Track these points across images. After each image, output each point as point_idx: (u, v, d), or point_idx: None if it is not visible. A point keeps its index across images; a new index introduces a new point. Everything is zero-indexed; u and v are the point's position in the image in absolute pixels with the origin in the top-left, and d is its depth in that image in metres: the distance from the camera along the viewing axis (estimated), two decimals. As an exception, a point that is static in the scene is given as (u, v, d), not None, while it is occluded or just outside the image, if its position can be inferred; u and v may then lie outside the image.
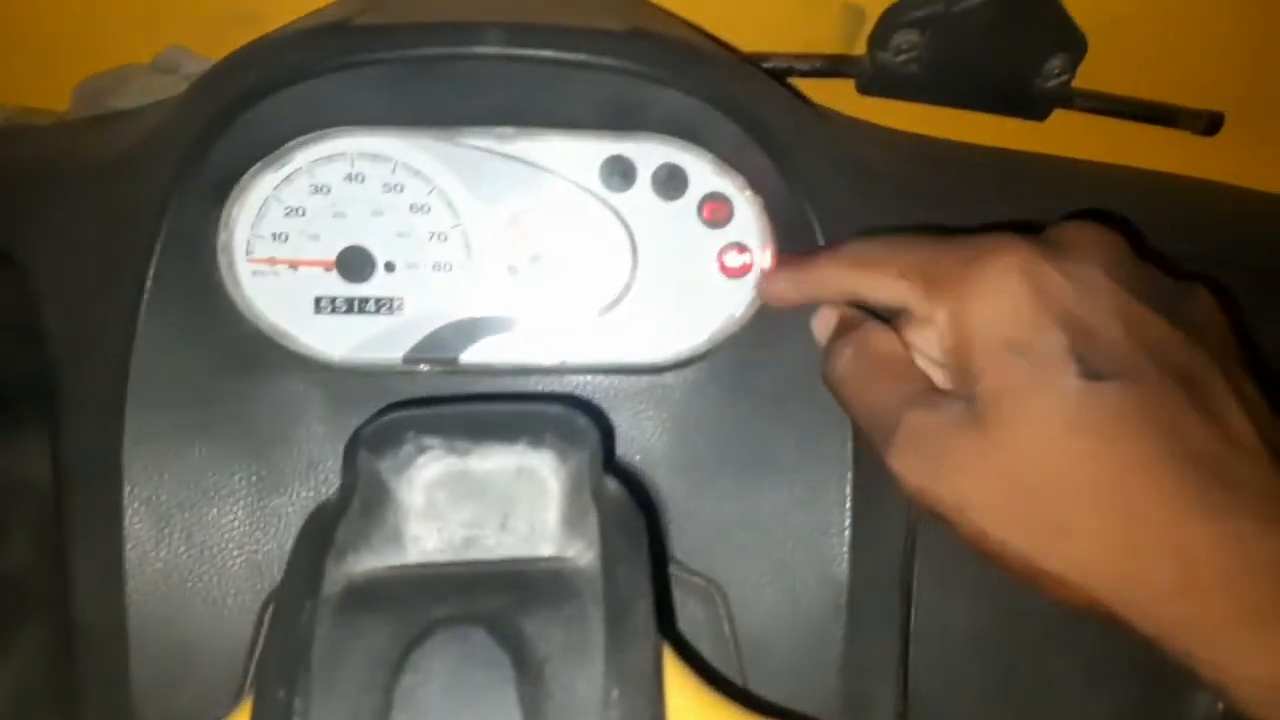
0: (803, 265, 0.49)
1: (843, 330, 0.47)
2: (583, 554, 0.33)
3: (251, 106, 0.47)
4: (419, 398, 0.50)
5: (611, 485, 0.35)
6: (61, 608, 0.50)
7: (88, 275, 0.50)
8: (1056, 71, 0.57)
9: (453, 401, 0.41)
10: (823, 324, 0.49)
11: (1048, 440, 0.37)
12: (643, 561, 0.32)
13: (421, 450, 0.38)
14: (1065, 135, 0.61)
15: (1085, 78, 0.58)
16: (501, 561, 0.34)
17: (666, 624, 0.31)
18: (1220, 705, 0.50)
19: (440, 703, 0.27)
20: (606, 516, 0.33)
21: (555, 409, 0.37)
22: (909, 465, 0.40)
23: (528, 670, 0.28)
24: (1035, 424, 0.37)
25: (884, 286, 0.44)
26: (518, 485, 0.39)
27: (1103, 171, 0.61)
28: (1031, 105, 0.59)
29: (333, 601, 0.30)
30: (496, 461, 0.39)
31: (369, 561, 0.33)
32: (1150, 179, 0.63)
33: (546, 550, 0.38)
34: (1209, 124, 0.62)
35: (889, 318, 0.45)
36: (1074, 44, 0.56)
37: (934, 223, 0.51)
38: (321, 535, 0.31)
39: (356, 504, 0.33)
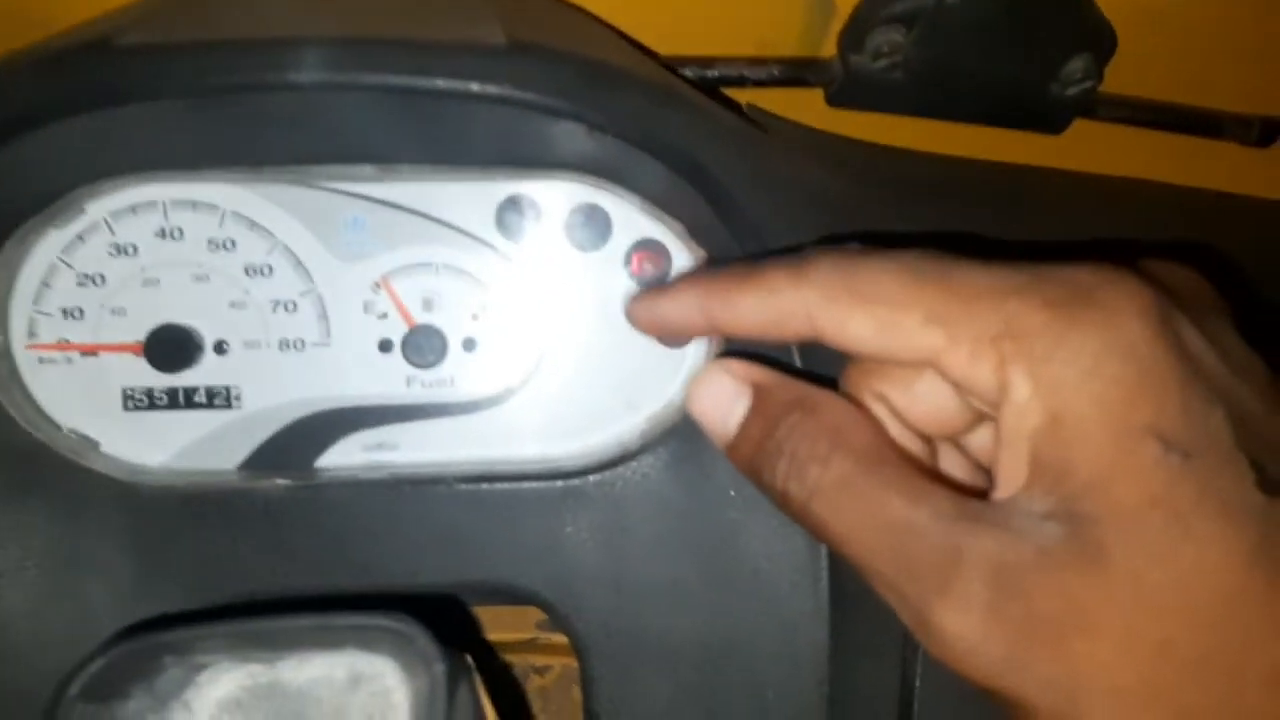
0: (732, 285, 0.31)
1: (769, 407, 0.31)
2: None
3: (10, 145, 0.34)
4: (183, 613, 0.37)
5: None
6: None
7: None
8: (1079, 76, 0.45)
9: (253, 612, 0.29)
10: (720, 398, 0.31)
11: (1228, 584, 0.24)
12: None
13: (205, 666, 0.26)
14: (1085, 149, 0.50)
15: (1110, 81, 0.46)
16: None
17: None
18: None
19: None
20: None
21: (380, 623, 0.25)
22: (982, 628, 0.25)
23: None
24: (1208, 560, 0.24)
25: (899, 335, 0.28)
26: (354, 701, 0.28)
27: (1134, 190, 0.50)
28: (1046, 116, 0.47)
29: None
30: (317, 670, 0.28)
31: None
32: (1191, 198, 0.52)
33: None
34: (1262, 133, 0.50)
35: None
36: (1101, 42, 0.44)
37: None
38: None
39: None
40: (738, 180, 0.37)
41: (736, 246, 0.39)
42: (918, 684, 0.39)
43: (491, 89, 0.33)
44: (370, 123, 0.38)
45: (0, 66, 0.34)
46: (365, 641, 0.26)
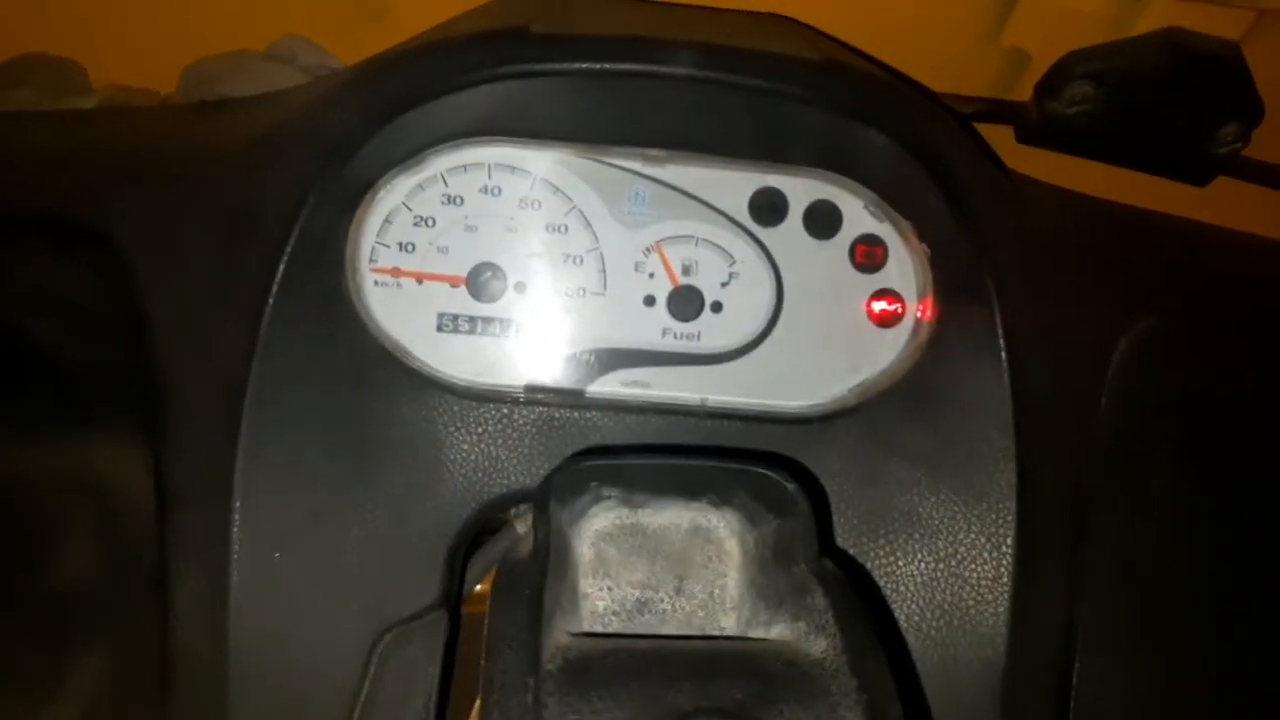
0: None
1: None
2: (809, 639, 0.29)
3: (412, 108, 0.43)
4: (615, 445, 0.46)
5: (830, 565, 0.31)
6: (131, 627, 0.46)
7: (202, 272, 0.46)
8: (1229, 138, 0.54)
9: (650, 450, 0.37)
10: None
11: None
12: (884, 657, 0.28)
13: (597, 500, 0.34)
14: (1224, 203, 0.58)
15: (1256, 148, 0.55)
16: (720, 639, 0.30)
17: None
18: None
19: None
20: (837, 601, 0.29)
21: (757, 468, 0.33)
22: None
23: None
24: None
25: None
26: (693, 546, 0.36)
27: (1270, 248, 0.58)
28: (1196, 170, 0.55)
29: (555, 678, 0.26)
30: (669, 517, 0.36)
31: (568, 625, 0.29)
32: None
33: (727, 622, 0.34)
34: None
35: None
36: (1251, 112, 0.53)
37: (1112, 291, 0.48)
38: (530, 601, 0.27)
39: (552, 564, 0.29)
40: (982, 191, 0.45)
41: (963, 247, 0.47)
42: (1077, 660, 0.46)
43: (821, 94, 0.42)
44: (671, 115, 0.47)
45: (433, 42, 0.43)
46: (724, 494, 0.34)
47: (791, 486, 0.33)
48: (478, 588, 0.52)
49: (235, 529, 0.42)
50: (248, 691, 0.42)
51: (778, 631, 0.31)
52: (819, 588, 0.29)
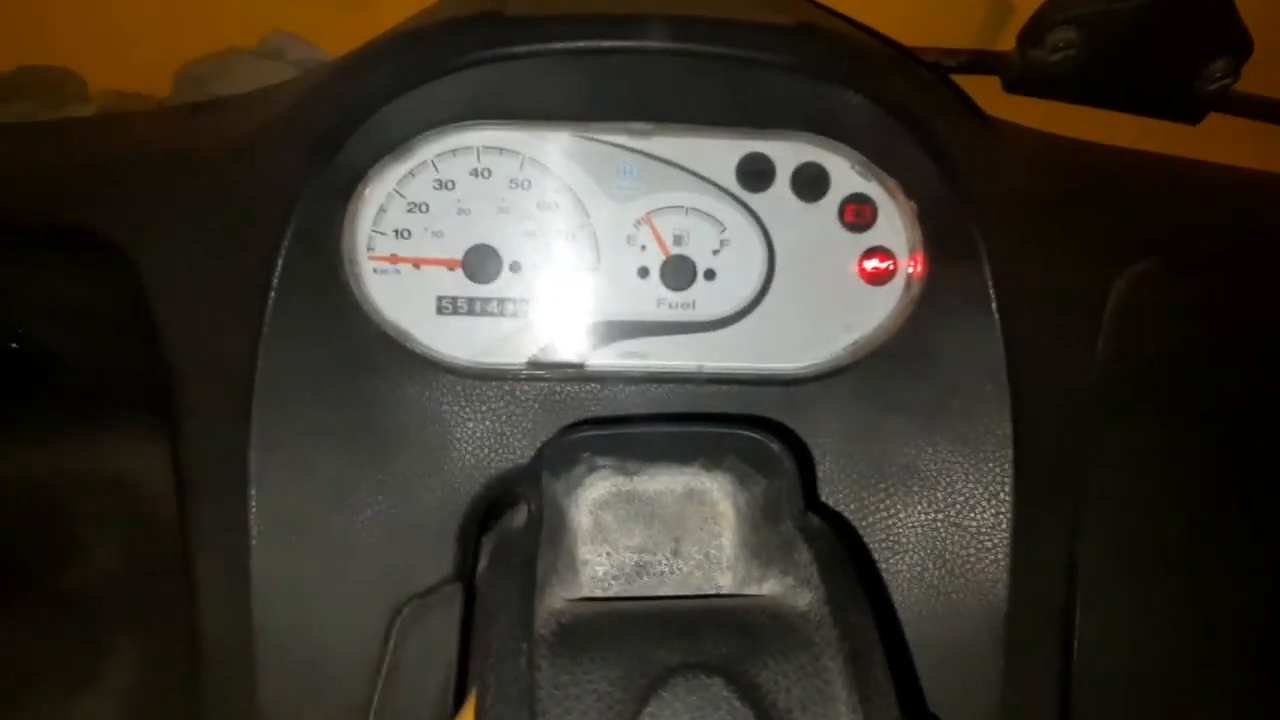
0: None
1: None
2: (795, 592, 0.30)
3: (399, 96, 0.44)
4: (602, 418, 0.47)
5: (816, 520, 0.32)
6: (161, 616, 0.48)
7: (204, 269, 0.48)
8: (1219, 75, 0.53)
9: (640, 421, 0.38)
10: None
11: None
12: (868, 608, 0.29)
13: (592, 469, 0.36)
14: (1218, 141, 0.58)
15: (1246, 82, 0.55)
16: (713, 600, 0.31)
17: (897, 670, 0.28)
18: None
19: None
20: (821, 554, 0.30)
21: (745, 431, 0.34)
22: None
23: (773, 727, 0.25)
24: None
25: None
26: (688, 509, 0.37)
27: (1265, 180, 0.58)
28: (1187, 108, 0.55)
29: (549, 642, 0.27)
30: (664, 483, 0.37)
31: (563, 593, 0.30)
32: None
33: (724, 581, 0.36)
34: (1369, 131, 0.58)
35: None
36: (1240, 46, 0.52)
37: (1105, 234, 0.48)
38: (522, 567, 0.29)
39: (545, 532, 0.30)
40: (965, 144, 0.46)
41: (949, 201, 0.48)
42: (1078, 597, 0.47)
43: (797, 60, 0.43)
44: (653, 88, 0.48)
45: (408, 31, 0.44)
46: (715, 458, 0.35)
47: (775, 446, 0.34)
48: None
49: (252, 516, 0.44)
50: (274, 671, 0.44)
51: (769, 587, 0.32)
52: (804, 543, 0.30)
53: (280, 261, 0.45)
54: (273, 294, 0.45)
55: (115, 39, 0.60)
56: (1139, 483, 0.49)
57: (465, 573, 0.48)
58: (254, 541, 0.43)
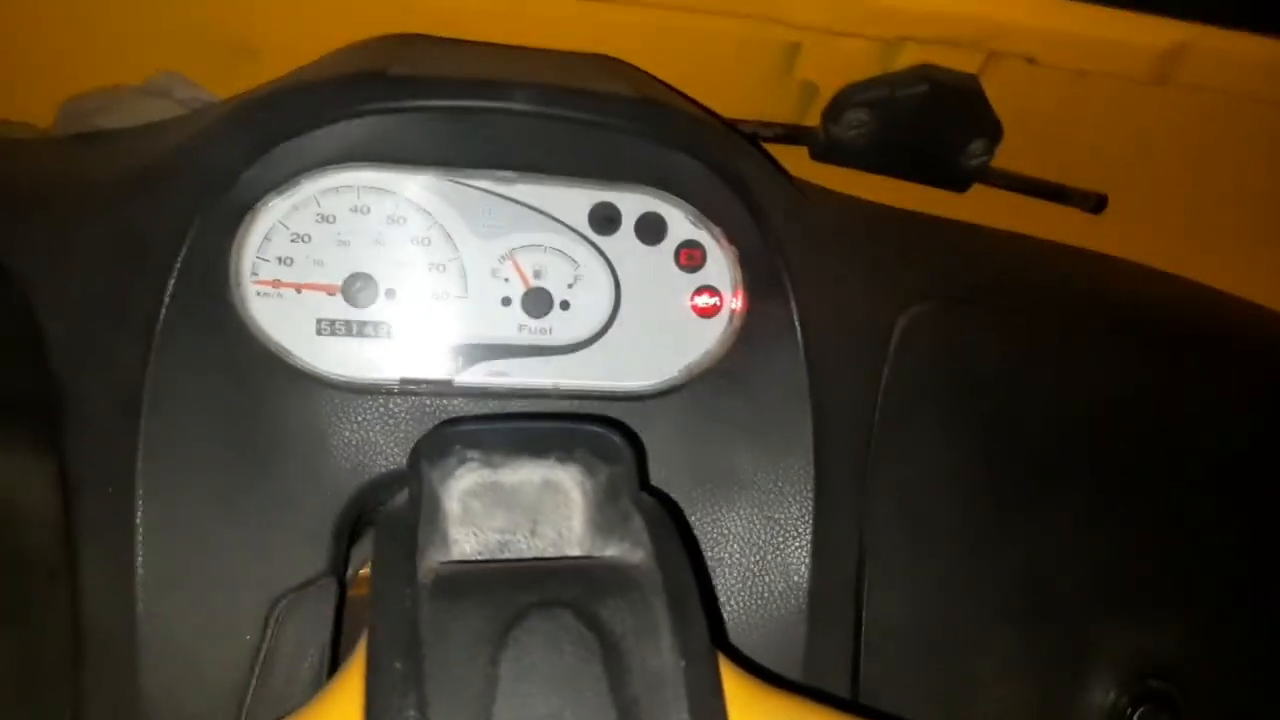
0: None
1: None
2: (631, 553, 0.37)
3: (287, 140, 0.50)
4: (473, 415, 0.53)
5: (647, 497, 0.40)
6: (33, 613, 0.50)
7: (95, 291, 0.51)
8: (977, 152, 0.66)
9: (506, 419, 0.45)
10: None
11: None
12: (686, 559, 0.36)
13: (462, 462, 0.42)
14: (981, 205, 0.71)
15: (1001, 159, 0.68)
16: (565, 559, 0.38)
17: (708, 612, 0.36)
18: (1114, 700, 0.59)
19: (542, 672, 0.31)
20: (650, 521, 0.37)
21: (591, 428, 0.41)
22: None
23: (609, 646, 0.32)
24: None
25: None
26: (544, 497, 0.43)
27: (1015, 240, 0.71)
28: (955, 179, 0.68)
29: (429, 589, 0.33)
30: (524, 475, 0.44)
31: (439, 558, 0.36)
32: (1050, 248, 0.74)
33: (574, 554, 0.42)
34: (1096, 203, 0.72)
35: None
36: (992, 130, 0.65)
37: (890, 280, 0.59)
38: (405, 534, 0.35)
39: (423, 509, 0.37)
40: (773, 201, 0.55)
41: (763, 248, 0.57)
42: (867, 571, 0.57)
43: (638, 126, 0.51)
44: (517, 143, 0.55)
45: (302, 82, 0.49)
46: (566, 452, 0.42)
47: (616, 439, 0.41)
48: (362, 571, 0.59)
49: (139, 517, 0.47)
50: (156, 659, 0.47)
51: (610, 552, 0.39)
52: (637, 514, 0.38)
53: (171, 283, 0.49)
54: (163, 311, 0.49)
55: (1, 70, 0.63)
56: (917, 479, 0.59)
57: (339, 569, 0.53)
58: (140, 539, 0.47)
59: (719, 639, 0.48)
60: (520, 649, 0.31)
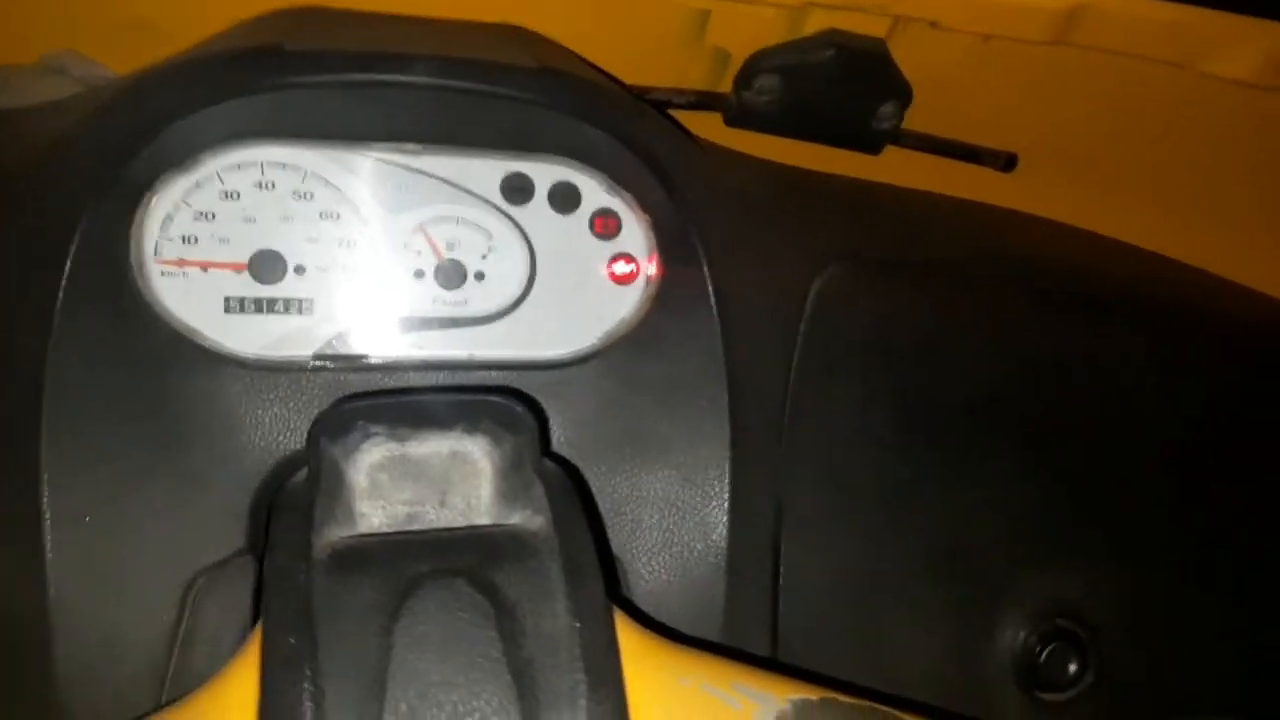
0: None
1: None
2: (532, 519, 0.38)
3: (179, 119, 0.49)
4: (374, 390, 0.53)
5: (550, 464, 0.40)
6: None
7: (-8, 271, 0.50)
8: (888, 115, 0.67)
9: (405, 393, 0.45)
10: None
11: None
12: (584, 524, 0.37)
13: (367, 436, 0.42)
14: (895, 167, 0.72)
15: (911, 120, 0.69)
16: (464, 528, 0.38)
17: (607, 574, 0.37)
18: (1024, 640, 0.62)
19: (435, 639, 0.31)
20: (551, 488, 0.38)
21: (495, 399, 0.42)
22: None
23: (504, 611, 0.33)
24: None
25: None
26: (453, 467, 0.44)
27: (929, 199, 0.72)
28: (868, 142, 0.69)
29: (324, 564, 0.33)
30: (432, 447, 0.44)
31: (339, 533, 0.36)
32: (963, 206, 0.75)
33: (482, 523, 0.43)
34: (1006, 162, 0.74)
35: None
36: (902, 93, 0.66)
37: (804, 242, 0.60)
38: (302, 512, 0.35)
39: (322, 485, 0.37)
40: (682, 167, 0.56)
41: (674, 214, 0.58)
42: (784, 530, 0.59)
43: (537, 97, 0.51)
44: (424, 115, 0.55)
45: (193, 59, 0.48)
46: (473, 423, 0.43)
47: (519, 409, 0.42)
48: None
49: (45, 501, 0.47)
50: (70, 643, 0.47)
51: (514, 520, 0.40)
52: (538, 481, 0.38)
53: (68, 265, 0.48)
54: (61, 294, 0.48)
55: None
56: (833, 438, 0.61)
57: (257, 547, 0.53)
58: (47, 523, 0.47)
59: (619, 599, 0.49)
60: (414, 618, 0.32)
